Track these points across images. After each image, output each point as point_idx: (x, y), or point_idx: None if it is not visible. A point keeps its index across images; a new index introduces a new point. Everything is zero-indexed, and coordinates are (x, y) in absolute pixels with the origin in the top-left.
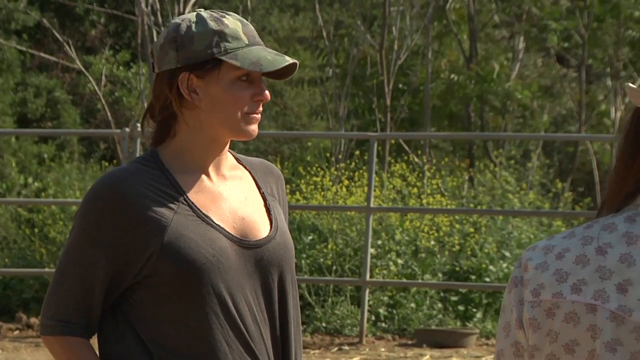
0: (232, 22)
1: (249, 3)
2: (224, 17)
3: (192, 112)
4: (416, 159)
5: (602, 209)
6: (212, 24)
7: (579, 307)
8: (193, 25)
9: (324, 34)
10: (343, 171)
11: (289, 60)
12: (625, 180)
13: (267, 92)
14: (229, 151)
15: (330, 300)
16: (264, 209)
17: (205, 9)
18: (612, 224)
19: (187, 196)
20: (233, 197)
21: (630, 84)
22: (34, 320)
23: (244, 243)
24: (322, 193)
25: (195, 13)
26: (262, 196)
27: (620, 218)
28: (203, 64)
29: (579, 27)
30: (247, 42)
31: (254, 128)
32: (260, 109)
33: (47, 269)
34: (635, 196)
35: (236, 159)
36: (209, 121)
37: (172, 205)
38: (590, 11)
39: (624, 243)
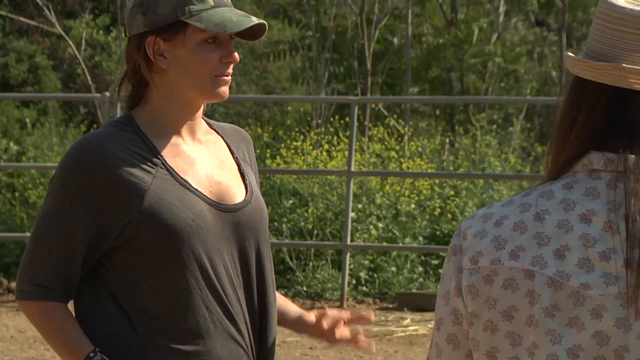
0: None
1: None
2: None
3: (162, 77)
4: (396, 124)
5: (545, 179)
6: None
7: (517, 273)
8: None
9: None
10: (323, 135)
11: (255, 20)
12: (563, 148)
13: (235, 53)
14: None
15: (311, 264)
16: (238, 174)
17: None
18: (550, 191)
19: (164, 160)
20: (209, 161)
21: (570, 53)
22: (14, 284)
23: (221, 207)
24: (303, 157)
25: None
26: (235, 161)
27: (558, 185)
28: (169, 27)
29: None
30: (212, 3)
31: (224, 90)
32: (230, 70)
33: (27, 233)
34: (572, 164)
35: (208, 124)
36: (178, 85)
37: (150, 169)
38: None
39: (561, 209)
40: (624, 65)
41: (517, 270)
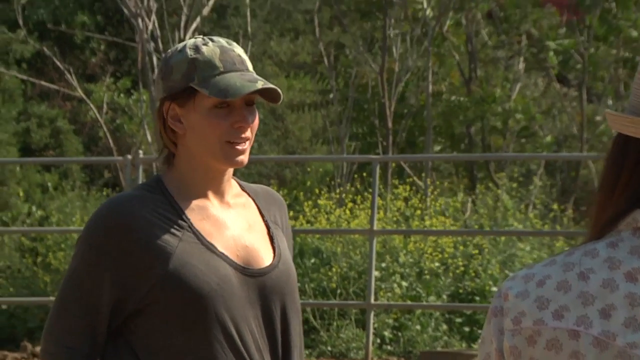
0: (210, 50)
1: (249, 28)
2: (206, 44)
3: (182, 141)
4: (419, 182)
5: (587, 239)
6: (189, 53)
7: (561, 334)
8: (174, 54)
9: (325, 58)
10: (346, 194)
11: (259, 86)
12: (606, 207)
13: (249, 118)
14: (232, 178)
15: (335, 323)
16: (267, 237)
17: (205, 35)
18: (594, 250)
19: (191, 223)
20: (237, 225)
21: (610, 110)
22: (39, 349)
23: (247, 271)
24: (326, 216)
25: (184, 42)
26: (265, 224)
27: (602, 244)
28: (181, 93)
29: (578, 46)
30: (221, 69)
31: (238, 156)
32: (245, 135)
33: (51, 298)
34: (616, 224)
35: (240, 186)
36: (196, 150)
37: (176, 232)
38: (590, 31)
39: (606, 268)
40: None
41: (561, 330)
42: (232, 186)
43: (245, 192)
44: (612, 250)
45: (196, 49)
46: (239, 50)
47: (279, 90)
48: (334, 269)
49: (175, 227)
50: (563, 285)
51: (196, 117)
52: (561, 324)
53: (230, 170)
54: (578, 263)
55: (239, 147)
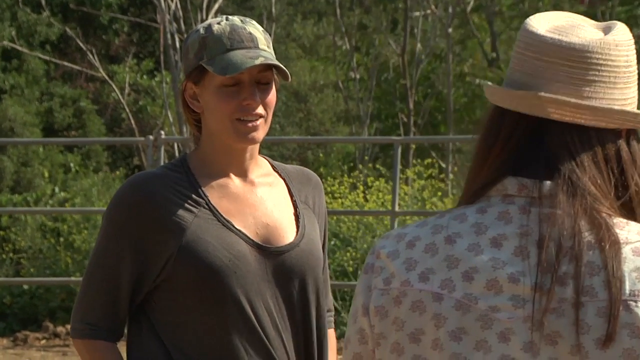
0: (220, 28)
1: (273, 10)
2: (219, 22)
3: (203, 120)
4: (441, 163)
5: (459, 204)
6: (201, 32)
7: (425, 296)
8: (192, 34)
9: (346, 39)
10: (361, 177)
11: (258, 62)
12: (478, 176)
13: (257, 96)
14: (265, 158)
15: None
16: (292, 217)
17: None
18: (463, 214)
19: (209, 200)
20: (259, 203)
21: (490, 83)
22: (60, 329)
23: (264, 249)
24: (341, 200)
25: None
26: (293, 204)
27: (472, 209)
28: (195, 72)
29: None
30: (228, 46)
31: (249, 133)
32: (257, 112)
33: (73, 278)
34: (487, 190)
35: (273, 166)
36: (213, 128)
37: (193, 209)
38: (613, 12)
39: (473, 233)
40: (542, 94)
41: (426, 292)
42: (259, 165)
43: (276, 171)
44: (480, 215)
45: (208, 27)
46: (251, 27)
47: (282, 66)
48: (350, 251)
49: (192, 203)
50: (431, 247)
51: (208, 95)
52: (426, 286)
53: (253, 148)
54: (446, 226)
55: (249, 124)
